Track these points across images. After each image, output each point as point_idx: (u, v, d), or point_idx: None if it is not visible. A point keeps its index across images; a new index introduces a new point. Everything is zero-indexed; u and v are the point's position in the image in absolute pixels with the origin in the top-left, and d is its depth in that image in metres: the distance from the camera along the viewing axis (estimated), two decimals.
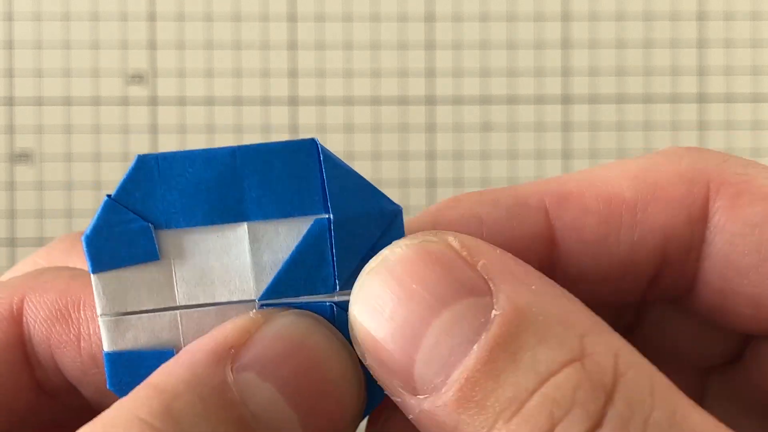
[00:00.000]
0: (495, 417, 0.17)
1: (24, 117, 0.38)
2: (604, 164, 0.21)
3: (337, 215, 0.18)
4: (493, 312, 0.17)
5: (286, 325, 0.18)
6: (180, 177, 0.18)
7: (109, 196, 0.18)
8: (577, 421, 0.16)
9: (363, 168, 0.38)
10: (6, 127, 0.38)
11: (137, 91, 0.38)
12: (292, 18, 0.38)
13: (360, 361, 0.18)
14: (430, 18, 0.39)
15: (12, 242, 0.38)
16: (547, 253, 0.20)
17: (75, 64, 0.38)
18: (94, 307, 0.20)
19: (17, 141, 0.38)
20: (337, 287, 0.18)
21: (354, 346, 0.19)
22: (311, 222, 0.18)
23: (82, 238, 0.18)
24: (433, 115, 0.38)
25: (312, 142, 0.19)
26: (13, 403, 0.21)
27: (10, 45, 0.38)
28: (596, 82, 0.39)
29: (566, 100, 0.39)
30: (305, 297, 0.19)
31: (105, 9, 0.38)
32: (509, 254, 0.18)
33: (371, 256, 0.18)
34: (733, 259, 0.20)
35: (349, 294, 0.18)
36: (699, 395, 0.23)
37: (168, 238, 0.18)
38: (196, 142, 0.38)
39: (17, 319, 0.21)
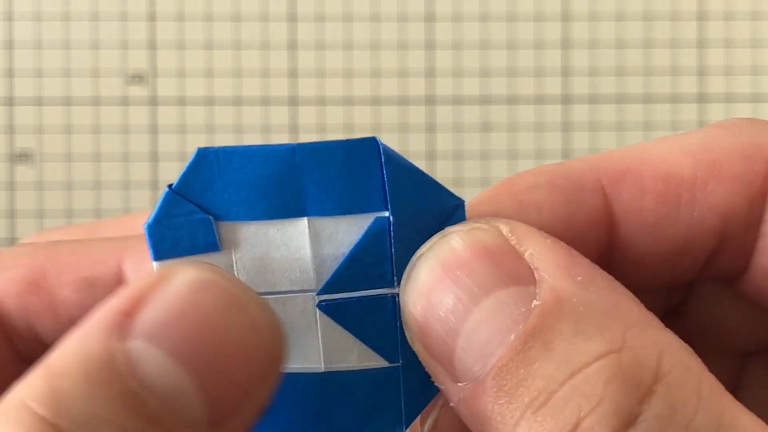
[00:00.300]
0: (524, 408, 0.16)
1: (24, 117, 0.38)
2: (660, 138, 0.20)
3: (397, 213, 0.18)
4: (534, 302, 0.17)
5: (179, 283, 0.17)
6: (239, 171, 0.18)
7: (170, 186, 0.18)
8: (605, 416, 0.16)
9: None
10: (6, 127, 0.38)
11: (137, 91, 0.38)
12: (292, 18, 0.38)
13: (272, 315, 0.18)
14: (430, 18, 0.39)
15: (12, 242, 0.38)
16: (606, 236, 0.20)
17: (75, 64, 0.38)
18: (61, 273, 0.21)
19: (17, 141, 0.38)
20: (396, 284, 0.18)
21: (405, 330, 0.18)
22: (372, 219, 0.18)
23: (144, 226, 0.18)
24: (433, 115, 0.38)
25: (373, 141, 0.19)
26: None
27: (10, 45, 0.38)
28: (596, 82, 0.39)
29: (566, 100, 0.39)
30: (365, 291, 0.19)
31: (105, 9, 0.38)
32: (561, 243, 0.17)
33: None
34: None
35: None
36: (737, 379, 0.23)
37: (228, 230, 0.19)
38: (196, 142, 0.38)
39: None
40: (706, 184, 0.20)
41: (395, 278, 0.18)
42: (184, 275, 0.17)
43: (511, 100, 0.39)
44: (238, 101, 0.38)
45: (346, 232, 0.18)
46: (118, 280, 0.21)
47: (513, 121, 0.39)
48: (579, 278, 0.17)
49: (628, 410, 0.16)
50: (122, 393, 0.16)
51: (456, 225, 0.18)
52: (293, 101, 0.38)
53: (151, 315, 0.17)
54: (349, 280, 0.18)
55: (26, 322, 0.21)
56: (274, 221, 0.18)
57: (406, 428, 0.19)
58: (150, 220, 0.18)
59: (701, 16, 0.39)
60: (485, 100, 0.39)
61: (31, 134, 0.38)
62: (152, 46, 0.38)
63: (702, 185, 0.20)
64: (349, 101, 0.38)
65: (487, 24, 0.39)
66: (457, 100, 0.38)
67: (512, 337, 0.16)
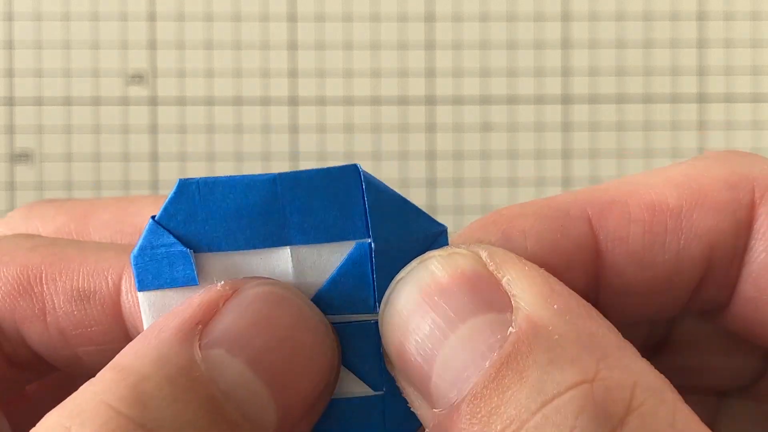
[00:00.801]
0: None
1: (24, 117, 0.38)
2: (647, 171, 0.21)
3: (378, 240, 0.18)
4: (510, 329, 0.17)
5: (253, 296, 0.18)
6: (221, 202, 0.19)
7: (153, 217, 0.18)
8: None
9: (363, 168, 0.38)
10: (6, 127, 0.38)
11: (137, 91, 0.38)
12: (292, 18, 0.38)
13: (333, 333, 0.18)
14: (430, 18, 0.39)
15: None
16: (592, 265, 0.20)
17: (75, 64, 0.38)
18: (56, 280, 0.20)
19: (17, 141, 0.38)
20: (377, 309, 0.18)
21: (383, 354, 0.18)
22: (353, 245, 0.19)
23: (131, 257, 0.18)
24: (433, 115, 0.38)
25: (354, 168, 0.19)
26: None
27: (10, 45, 0.38)
28: (596, 82, 0.39)
29: (566, 100, 0.39)
30: (346, 315, 0.19)
31: (105, 9, 0.38)
32: (540, 270, 0.18)
33: None
34: None
35: None
36: (713, 419, 0.23)
37: (211, 261, 0.19)
38: (197, 142, 0.38)
39: None
40: (691, 213, 0.20)
41: (377, 303, 0.18)
42: (257, 288, 0.18)
43: (511, 100, 0.39)
44: (238, 101, 0.38)
45: (329, 258, 0.19)
46: (114, 296, 0.20)
47: (513, 121, 0.39)
48: (555, 306, 0.17)
49: None
50: (207, 398, 0.17)
51: (435, 251, 0.18)
52: (293, 101, 0.38)
53: (228, 326, 0.17)
54: (329, 305, 0.19)
55: (12, 325, 0.21)
56: (257, 251, 0.18)
57: None
58: (135, 250, 0.18)
59: (701, 16, 0.39)
60: (485, 100, 0.39)
61: (31, 134, 0.38)
62: (152, 46, 0.38)
63: (688, 214, 0.20)
64: (349, 101, 0.38)
65: (487, 24, 0.39)
66: (457, 100, 0.38)
67: (487, 364, 0.16)
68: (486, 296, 0.17)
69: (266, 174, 0.18)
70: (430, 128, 0.38)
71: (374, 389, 0.19)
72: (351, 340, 0.19)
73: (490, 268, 0.17)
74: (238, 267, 0.19)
